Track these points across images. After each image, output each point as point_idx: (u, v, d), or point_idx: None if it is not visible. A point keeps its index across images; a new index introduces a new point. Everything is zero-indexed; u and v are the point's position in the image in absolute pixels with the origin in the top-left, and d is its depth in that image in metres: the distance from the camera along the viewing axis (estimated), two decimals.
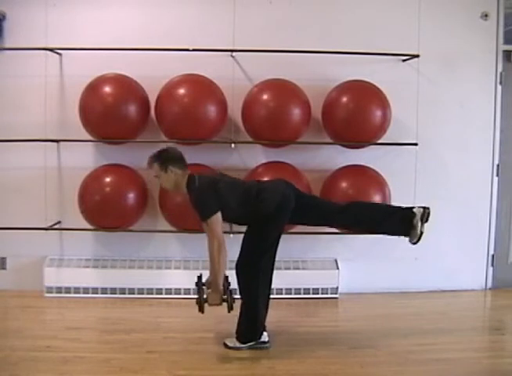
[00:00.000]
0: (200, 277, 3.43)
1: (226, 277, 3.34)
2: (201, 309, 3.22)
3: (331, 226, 3.70)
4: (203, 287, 3.34)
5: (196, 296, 3.29)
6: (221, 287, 3.23)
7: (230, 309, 3.24)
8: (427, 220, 3.39)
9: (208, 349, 3.37)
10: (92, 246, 4.45)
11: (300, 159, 4.34)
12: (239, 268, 3.36)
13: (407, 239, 3.44)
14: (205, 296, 3.24)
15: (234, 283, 3.38)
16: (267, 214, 3.27)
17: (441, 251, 4.55)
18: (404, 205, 3.49)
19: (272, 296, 3.49)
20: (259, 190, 3.35)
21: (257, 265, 3.31)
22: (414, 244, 3.44)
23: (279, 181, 3.47)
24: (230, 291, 3.28)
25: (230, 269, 3.32)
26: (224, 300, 3.23)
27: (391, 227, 3.46)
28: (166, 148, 3.45)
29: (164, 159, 3.31)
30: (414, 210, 3.40)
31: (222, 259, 3.18)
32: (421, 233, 3.38)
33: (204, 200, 3.22)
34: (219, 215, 3.20)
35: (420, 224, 3.37)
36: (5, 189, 4.39)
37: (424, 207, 3.39)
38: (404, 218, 3.40)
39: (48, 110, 4.34)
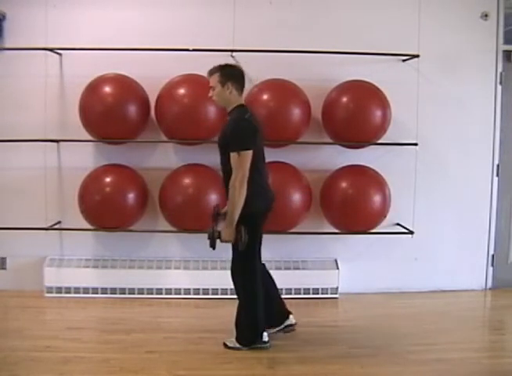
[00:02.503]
0: (216, 207, 3.33)
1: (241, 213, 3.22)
2: (213, 245, 3.13)
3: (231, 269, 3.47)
4: (218, 218, 3.24)
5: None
6: (236, 223, 3.14)
7: (243, 246, 3.15)
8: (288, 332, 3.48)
9: (208, 349, 3.37)
10: (92, 246, 4.45)
11: (300, 159, 4.34)
12: (234, 270, 3.37)
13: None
14: (218, 232, 3.13)
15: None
16: (256, 212, 3.26)
17: (441, 251, 4.55)
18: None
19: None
20: (263, 186, 3.33)
21: (252, 266, 3.32)
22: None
23: (272, 193, 3.43)
24: (245, 228, 3.16)
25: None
26: (239, 238, 3.13)
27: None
28: (233, 64, 3.39)
29: (227, 73, 3.25)
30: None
31: (243, 193, 3.11)
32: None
33: (249, 133, 3.18)
34: (251, 153, 3.15)
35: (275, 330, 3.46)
36: (5, 189, 4.39)
37: (294, 324, 3.49)
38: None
39: (48, 110, 4.34)
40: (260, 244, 3.37)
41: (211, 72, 3.29)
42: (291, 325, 3.49)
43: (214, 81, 3.26)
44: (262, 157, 3.39)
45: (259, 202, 3.28)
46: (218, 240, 3.17)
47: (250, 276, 3.32)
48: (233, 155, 3.15)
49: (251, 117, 3.27)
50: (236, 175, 3.12)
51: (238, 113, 3.25)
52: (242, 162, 3.13)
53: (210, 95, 3.33)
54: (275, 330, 3.48)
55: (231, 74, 3.26)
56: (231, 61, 4.31)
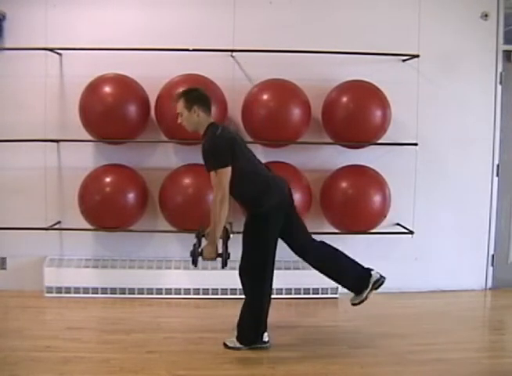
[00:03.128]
0: (200, 227, 3.35)
1: (226, 229, 3.29)
2: (194, 262, 3.16)
3: (294, 251, 3.49)
4: (203, 238, 3.28)
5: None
6: (218, 241, 3.17)
7: (224, 264, 3.18)
8: (377, 288, 3.38)
9: (208, 349, 3.37)
10: (92, 246, 4.45)
11: (300, 159, 4.34)
12: (243, 270, 3.35)
13: (350, 298, 3.45)
14: (200, 249, 3.17)
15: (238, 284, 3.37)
16: (267, 211, 3.25)
17: (441, 251, 4.55)
18: (365, 265, 3.45)
19: (271, 296, 3.49)
20: (267, 183, 3.31)
21: (261, 266, 3.30)
22: (353, 305, 3.44)
23: (285, 182, 3.43)
24: (227, 245, 3.21)
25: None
26: (219, 254, 3.18)
27: (346, 280, 3.45)
28: (196, 87, 3.40)
29: (192, 97, 3.26)
30: (372, 272, 3.39)
31: (223, 212, 3.13)
32: (366, 298, 3.38)
33: (222, 149, 3.17)
34: (230, 169, 3.15)
35: (370, 288, 3.37)
36: (5, 189, 4.39)
37: (381, 276, 3.39)
38: (360, 277, 3.39)
39: (48, 110, 4.34)
40: (273, 246, 3.33)
41: (176, 99, 3.31)
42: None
43: (180, 107, 3.28)
44: (252, 158, 3.37)
45: (267, 199, 3.25)
46: (199, 258, 3.20)
47: (260, 276, 3.30)
48: (211, 174, 3.17)
49: (223, 131, 3.26)
50: (216, 193, 3.14)
51: (210, 133, 3.24)
52: (220, 180, 3.14)
53: (179, 121, 3.34)
54: (367, 290, 3.39)
55: (195, 98, 3.27)
56: (231, 61, 4.33)
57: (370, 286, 3.36)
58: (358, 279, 3.40)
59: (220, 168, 3.13)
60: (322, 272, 3.51)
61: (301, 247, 3.46)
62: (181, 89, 3.36)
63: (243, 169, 3.23)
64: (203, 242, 3.29)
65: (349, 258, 3.49)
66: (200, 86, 3.49)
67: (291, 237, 3.43)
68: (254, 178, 3.29)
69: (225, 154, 3.16)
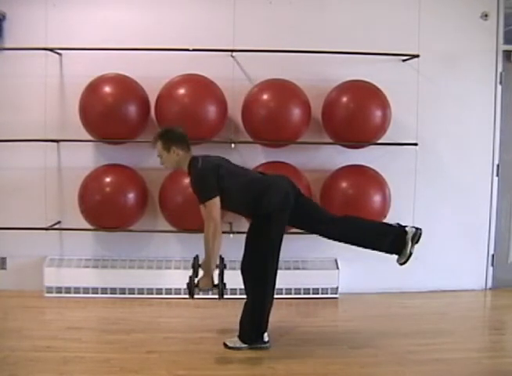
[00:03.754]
0: (196, 258, 3.39)
1: (222, 259, 3.31)
2: (191, 294, 3.20)
3: (319, 235, 3.51)
4: (199, 269, 3.30)
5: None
6: (213, 272, 3.20)
7: (221, 296, 3.22)
8: (417, 241, 3.36)
9: (208, 349, 3.37)
10: (92, 246, 4.45)
11: (300, 159, 4.34)
12: (245, 269, 3.34)
13: (395, 258, 3.41)
14: (196, 280, 3.20)
15: (238, 284, 3.37)
16: (271, 210, 3.25)
17: (441, 251, 4.55)
18: (395, 223, 3.45)
19: (274, 296, 3.49)
20: (263, 185, 3.33)
21: (263, 266, 3.29)
22: (402, 264, 3.41)
23: (283, 178, 3.44)
24: (222, 276, 3.24)
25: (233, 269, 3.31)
26: (215, 285, 3.21)
27: (381, 245, 3.43)
28: (171, 127, 3.44)
29: (168, 138, 3.30)
30: (407, 229, 3.38)
31: (217, 243, 3.17)
32: (410, 253, 3.36)
33: (205, 182, 3.21)
34: (218, 199, 3.19)
35: (410, 244, 3.35)
36: (5, 189, 4.39)
37: (417, 228, 3.37)
38: (397, 238, 3.37)
39: (48, 110, 4.34)
40: (277, 245, 3.32)
41: (153, 142, 3.36)
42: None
43: (159, 149, 3.32)
44: (241, 171, 3.43)
45: (267, 200, 3.26)
46: (196, 289, 3.22)
47: (262, 276, 3.30)
48: (201, 208, 3.23)
49: (204, 163, 3.28)
50: (208, 226, 3.17)
51: (193, 168, 3.29)
52: (210, 212, 3.17)
53: (160, 163, 3.40)
54: (408, 247, 3.37)
55: (172, 138, 3.31)
56: (231, 61, 4.33)
57: (410, 243, 3.33)
58: (394, 240, 3.37)
59: (208, 201, 3.18)
60: (354, 245, 3.49)
61: (324, 230, 3.45)
62: (157, 132, 3.40)
63: (236, 185, 3.28)
64: (200, 271, 3.32)
65: (377, 222, 3.54)
66: (178, 127, 3.46)
67: (309, 224, 3.45)
68: (249, 186, 3.32)
69: (210, 186, 3.21)
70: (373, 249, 3.46)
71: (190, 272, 3.31)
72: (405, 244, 3.35)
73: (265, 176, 3.49)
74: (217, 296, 3.24)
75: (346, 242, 3.47)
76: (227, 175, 3.28)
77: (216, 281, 3.24)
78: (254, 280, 3.32)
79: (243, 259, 3.36)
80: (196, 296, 3.24)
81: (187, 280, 3.23)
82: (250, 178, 3.41)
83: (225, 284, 3.24)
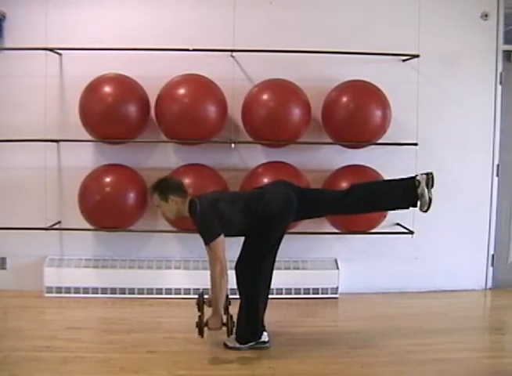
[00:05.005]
0: (201, 294, 3.41)
1: (227, 297, 3.34)
2: (201, 333, 3.22)
3: (336, 214, 3.61)
4: (204, 306, 3.33)
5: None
6: (222, 312, 3.24)
7: (230, 333, 3.26)
8: (432, 185, 3.36)
9: (208, 349, 3.37)
10: (92, 246, 4.45)
11: (300, 159, 4.34)
12: (240, 269, 3.35)
13: (417, 208, 3.39)
14: (205, 320, 3.23)
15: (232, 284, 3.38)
16: (270, 215, 3.26)
17: (441, 251, 4.55)
18: (404, 176, 3.45)
19: (272, 296, 3.49)
20: (261, 194, 3.35)
21: (258, 267, 3.31)
22: (425, 211, 3.37)
23: (280, 182, 3.48)
24: (231, 315, 3.29)
25: (230, 269, 3.31)
26: (224, 324, 3.24)
27: (396, 202, 3.43)
28: (165, 177, 3.48)
29: (164, 189, 3.32)
30: (417, 178, 3.37)
31: (224, 284, 3.17)
32: (430, 199, 3.35)
33: (207, 223, 3.22)
34: (222, 238, 3.20)
35: (426, 190, 3.34)
36: (5, 189, 4.39)
37: (427, 173, 3.37)
38: (407, 190, 3.37)
39: (48, 110, 4.34)
40: (274, 247, 3.34)
41: (150, 195, 3.41)
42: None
43: (157, 200, 3.34)
44: (239, 196, 3.46)
45: (268, 208, 3.26)
46: (205, 329, 3.23)
47: (255, 276, 3.31)
48: (207, 249, 3.20)
49: (202, 203, 3.26)
50: (214, 267, 3.17)
51: (193, 213, 3.27)
52: (215, 253, 3.17)
53: (162, 214, 3.46)
54: (425, 193, 3.38)
55: (167, 188, 3.32)
56: (231, 61, 4.33)
57: (426, 189, 3.33)
58: (405, 195, 3.37)
59: (212, 241, 3.17)
60: (369, 212, 3.56)
61: (336, 208, 3.49)
62: (151, 184, 3.41)
63: (238, 211, 3.28)
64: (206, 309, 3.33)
65: (386, 181, 3.62)
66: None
67: (321, 209, 3.51)
68: (249, 205, 3.30)
69: (212, 226, 3.21)
70: (391, 207, 3.52)
71: (195, 309, 3.32)
72: (422, 194, 3.34)
73: (261, 189, 3.50)
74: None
75: (363, 211, 3.55)
76: (226, 207, 3.27)
77: (224, 319, 3.26)
78: (249, 281, 3.33)
79: (238, 259, 3.37)
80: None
81: (196, 320, 3.23)
82: (248, 197, 3.40)
83: (234, 323, 3.27)
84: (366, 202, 3.44)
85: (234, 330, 3.29)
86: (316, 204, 3.45)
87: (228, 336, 3.29)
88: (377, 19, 4.43)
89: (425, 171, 3.39)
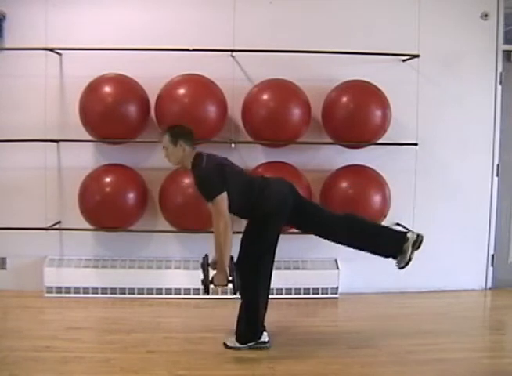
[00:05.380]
0: (205, 257, 3.37)
1: (231, 257, 3.30)
2: (207, 290, 3.20)
3: (318, 236, 3.50)
4: (209, 268, 3.30)
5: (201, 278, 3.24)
6: (227, 268, 3.20)
7: (236, 290, 3.22)
8: (418, 247, 3.35)
9: (208, 349, 3.37)
10: (92, 246, 4.45)
11: (300, 159, 4.35)
12: (239, 269, 3.34)
13: (394, 262, 3.40)
14: (211, 277, 3.20)
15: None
16: (267, 212, 3.27)
17: (441, 251, 4.54)
18: (399, 229, 3.46)
19: (272, 296, 3.49)
20: (262, 186, 3.35)
21: (257, 266, 3.31)
22: (401, 268, 3.39)
23: (282, 181, 3.46)
24: (236, 271, 3.24)
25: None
26: (230, 281, 3.21)
27: (379, 247, 3.41)
28: (181, 124, 3.44)
29: (177, 132, 3.32)
30: (408, 235, 3.36)
31: (228, 239, 3.16)
32: (410, 259, 3.34)
33: (211, 179, 3.22)
34: (225, 194, 3.19)
35: (410, 250, 3.34)
36: (5, 189, 4.39)
37: (418, 235, 3.36)
38: (395, 241, 3.37)
39: (48, 110, 4.34)
40: (272, 246, 3.34)
41: (161, 135, 3.39)
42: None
43: (166, 142, 3.33)
44: (242, 173, 3.44)
45: (266, 202, 3.27)
46: (211, 286, 3.23)
47: (254, 276, 3.31)
48: (209, 205, 3.20)
49: (209, 160, 3.29)
50: (218, 223, 3.17)
51: (197, 166, 3.28)
52: (219, 209, 3.17)
53: (164, 156, 3.40)
54: (408, 252, 3.36)
55: (180, 133, 3.33)
56: (231, 61, 4.33)
57: (411, 248, 3.32)
58: (391, 245, 3.36)
59: (216, 197, 3.17)
60: (349, 246, 3.49)
61: (324, 234, 3.46)
62: (166, 126, 3.42)
63: (238, 186, 3.28)
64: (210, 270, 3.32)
65: (379, 226, 3.54)
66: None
67: (309, 227, 3.46)
68: (249, 188, 3.33)
69: (217, 182, 3.21)
70: (374, 250, 3.45)
71: (199, 272, 3.29)
72: (405, 250, 3.34)
73: (264, 179, 3.50)
74: (219, 294, 3.24)
75: (344, 243, 3.48)
76: (230, 176, 3.28)
77: (230, 277, 3.22)
78: (249, 281, 3.32)
79: (237, 260, 3.36)
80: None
81: (201, 277, 3.22)
82: (249, 180, 3.43)
83: (240, 280, 3.23)
84: (353, 236, 3.42)
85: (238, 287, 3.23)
86: (307, 218, 3.43)
87: (235, 292, 3.24)
88: (377, 19, 4.43)
89: (417, 233, 3.37)
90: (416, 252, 3.35)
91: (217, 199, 3.17)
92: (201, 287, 3.22)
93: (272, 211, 3.28)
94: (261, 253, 3.32)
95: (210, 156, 3.35)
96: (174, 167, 3.63)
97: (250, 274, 3.30)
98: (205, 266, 3.31)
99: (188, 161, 3.33)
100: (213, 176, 3.22)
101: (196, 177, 3.29)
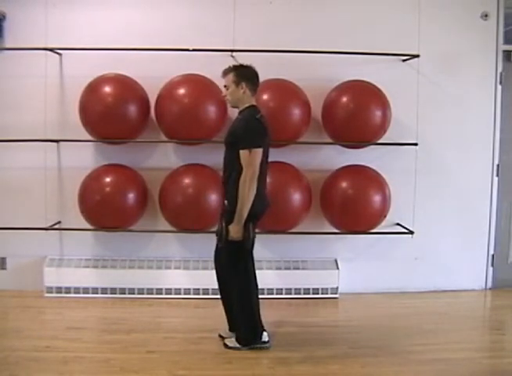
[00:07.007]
0: (225, 205, 3.29)
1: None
2: (220, 241, 3.18)
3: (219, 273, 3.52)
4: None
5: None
6: (244, 221, 3.16)
7: (249, 244, 3.19)
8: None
9: (208, 349, 3.37)
10: (92, 246, 4.45)
11: (300, 159, 4.34)
12: (229, 272, 3.35)
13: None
14: (226, 228, 3.16)
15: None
16: (257, 213, 3.25)
17: (441, 251, 4.55)
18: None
19: (272, 296, 3.50)
20: (262, 189, 3.32)
21: (246, 266, 3.32)
22: (224, 345, 3.37)
23: (267, 198, 3.42)
24: (254, 226, 3.20)
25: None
26: (246, 236, 3.17)
27: (238, 321, 3.38)
28: (249, 65, 3.38)
29: (242, 74, 3.29)
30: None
31: (252, 191, 3.14)
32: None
33: (259, 132, 3.22)
34: (261, 151, 3.20)
35: (239, 346, 3.34)
36: (5, 189, 4.39)
37: (268, 342, 3.35)
38: (246, 330, 3.34)
39: (48, 110, 4.34)
40: (253, 244, 3.34)
41: (226, 72, 3.33)
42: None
43: (229, 80, 3.30)
44: (266, 161, 3.37)
45: (258, 204, 3.25)
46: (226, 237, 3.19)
47: (245, 275, 3.31)
48: (244, 152, 3.17)
49: (262, 119, 3.30)
50: (247, 172, 3.15)
51: (250, 113, 3.27)
52: (253, 159, 3.16)
53: (223, 94, 3.37)
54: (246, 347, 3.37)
55: (245, 75, 3.29)
56: (231, 61, 4.32)
57: (239, 346, 3.34)
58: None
59: (255, 148, 3.16)
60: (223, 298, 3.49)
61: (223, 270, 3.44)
62: (232, 64, 3.38)
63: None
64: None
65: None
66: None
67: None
68: (257, 183, 3.26)
69: (261, 137, 3.23)
70: (235, 315, 3.39)
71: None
72: (232, 343, 3.36)
73: (263, 185, 3.42)
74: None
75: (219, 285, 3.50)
76: (263, 148, 3.25)
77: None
78: (239, 281, 3.31)
79: (221, 266, 3.39)
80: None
81: (217, 227, 3.17)
82: (262, 176, 3.32)
83: (256, 234, 3.19)
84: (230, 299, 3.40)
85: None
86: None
87: (248, 246, 3.23)
88: (377, 19, 4.43)
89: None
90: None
91: (255, 150, 3.16)
92: (216, 236, 3.19)
93: (258, 213, 3.27)
94: (247, 253, 3.29)
95: (264, 117, 3.34)
96: (229, 105, 3.52)
97: (241, 275, 3.31)
98: (223, 215, 3.27)
99: (242, 105, 3.30)
100: (261, 131, 3.23)
101: (244, 120, 3.25)
